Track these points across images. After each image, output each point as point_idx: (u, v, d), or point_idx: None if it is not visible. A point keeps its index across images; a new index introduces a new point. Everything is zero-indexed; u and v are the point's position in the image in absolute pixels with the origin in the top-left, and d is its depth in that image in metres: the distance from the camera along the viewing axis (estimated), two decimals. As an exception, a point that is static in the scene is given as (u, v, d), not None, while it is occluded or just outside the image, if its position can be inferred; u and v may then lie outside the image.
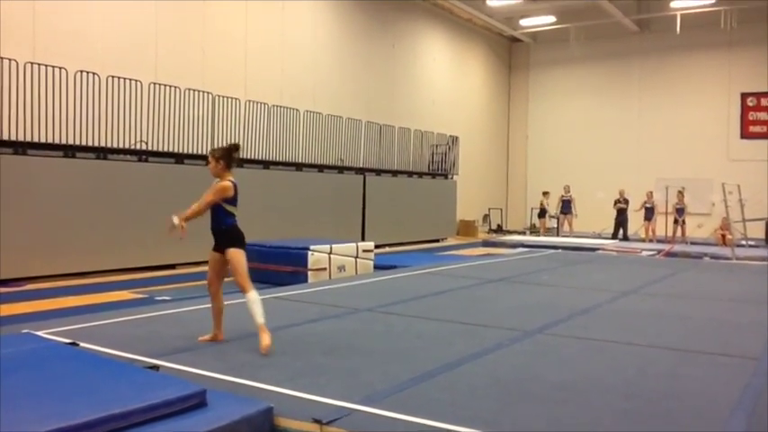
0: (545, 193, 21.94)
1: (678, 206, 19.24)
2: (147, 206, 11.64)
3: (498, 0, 21.89)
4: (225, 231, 5.49)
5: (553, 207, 21.74)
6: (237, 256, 5.44)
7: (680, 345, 5.87)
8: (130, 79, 11.93)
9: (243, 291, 5.38)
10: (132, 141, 12.10)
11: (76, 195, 10.79)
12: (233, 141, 5.89)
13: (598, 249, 16.68)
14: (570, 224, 21.31)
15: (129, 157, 11.84)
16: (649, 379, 4.78)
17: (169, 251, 12.06)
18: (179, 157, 12.66)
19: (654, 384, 4.63)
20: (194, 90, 13.07)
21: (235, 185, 5.48)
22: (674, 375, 4.89)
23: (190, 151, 12.92)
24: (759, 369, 5.09)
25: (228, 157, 5.50)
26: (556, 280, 10.35)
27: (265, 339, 5.19)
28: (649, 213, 19.78)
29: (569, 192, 21.19)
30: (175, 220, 5.43)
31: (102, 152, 11.41)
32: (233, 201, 5.50)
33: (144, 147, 12.17)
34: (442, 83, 23.56)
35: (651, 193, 20.09)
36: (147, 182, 11.81)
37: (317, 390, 4.25)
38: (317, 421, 3.69)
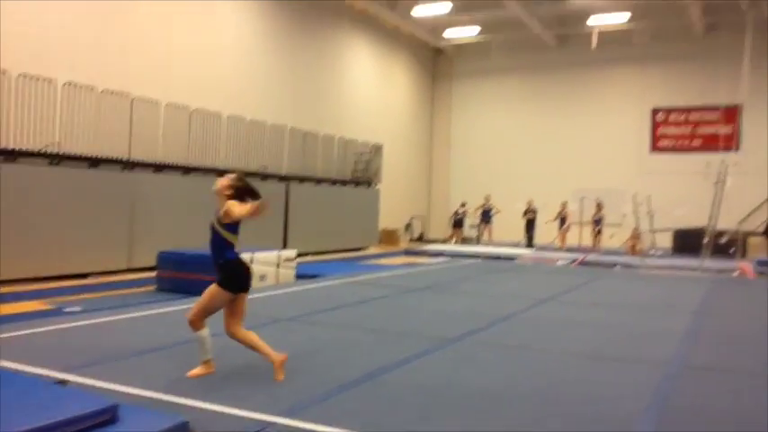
0: (463, 204, 22.37)
1: (596, 217, 19.98)
2: (59, 212, 11.16)
3: (423, 10, 22.17)
4: (222, 266, 4.84)
5: (473, 216, 22.18)
6: (215, 293, 4.80)
7: (593, 351, 6.06)
8: (43, 78, 11.43)
9: (192, 326, 4.81)
10: (44, 144, 11.57)
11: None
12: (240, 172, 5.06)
13: (516, 258, 17.09)
14: (490, 233, 21.76)
15: (39, 160, 11.32)
16: (565, 384, 4.91)
17: (81, 260, 11.59)
18: (94, 161, 12.20)
19: (569, 390, 4.76)
20: (112, 91, 12.64)
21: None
22: (587, 381, 5.04)
23: (106, 156, 12.47)
24: (668, 373, 5.31)
25: (245, 190, 4.95)
26: (476, 288, 10.53)
27: (198, 371, 4.79)
28: (562, 223, 20.53)
29: (489, 201, 21.67)
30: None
31: (10, 154, 10.86)
32: (235, 227, 4.90)
33: (56, 149, 11.67)
34: (368, 90, 23.65)
35: (565, 203, 20.80)
36: (59, 186, 11.31)
37: (237, 402, 4.16)
38: (235, 435, 3.61)
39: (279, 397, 4.35)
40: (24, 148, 11.13)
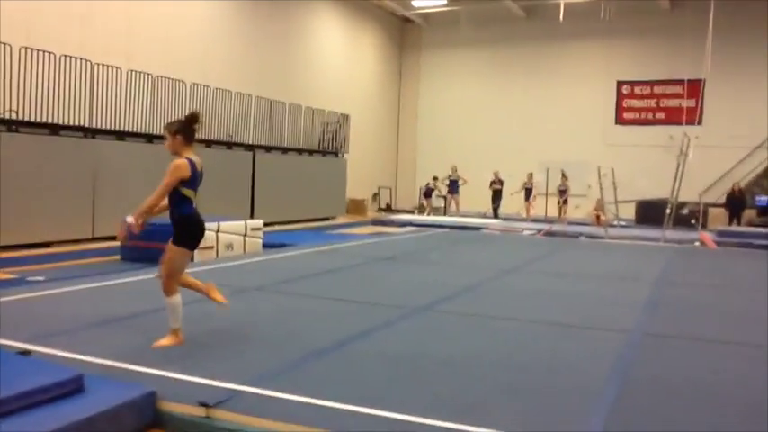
0: (435, 178, 22.44)
1: (561, 188, 20.19)
2: (20, 180, 10.90)
3: (391, -21, 21.94)
4: (177, 221, 4.74)
5: (442, 188, 22.28)
6: (175, 253, 4.74)
7: (558, 320, 6.16)
8: (-1, 43, 11.08)
9: (165, 291, 4.74)
10: (1, 110, 11.26)
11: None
12: (193, 111, 5.03)
13: (483, 229, 17.23)
14: (457, 204, 21.89)
15: (-4, 126, 11.01)
16: (530, 353, 4.99)
17: (44, 229, 11.39)
18: (54, 128, 11.91)
19: (534, 358, 4.84)
20: (71, 57, 12.31)
21: (193, 163, 4.73)
22: (553, 349, 5.12)
23: (67, 122, 12.18)
24: (630, 341, 5.43)
25: (187, 130, 4.80)
26: (443, 258, 10.60)
27: (165, 341, 4.72)
28: (528, 194, 20.72)
29: (456, 172, 21.75)
30: (129, 219, 4.64)
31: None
32: (191, 183, 4.73)
33: (14, 116, 11.36)
34: (335, 60, 23.40)
35: (531, 174, 20.98)
36: (17, 154, 11.02)
37: (203, 372, 4.14)
38: (202, 404, 3.59)
39: (246, 366, 4.35)
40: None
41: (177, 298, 4.78)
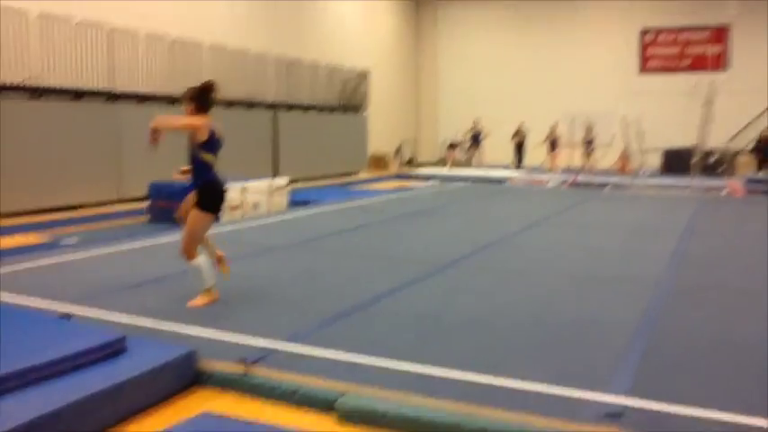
0: (451, 146, 22.44)
1: (587, 138, 19.89)
2: (47, 145, 11.06)
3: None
4: (200, 187, 4.82)
5: (463, 140, 22.19)
6: (198, 218, 4.81)
7: (585, 273, 6.18)
8: (14, 10, 11.07)
9: (186, 255, 4.83)
10: (21, 78, 11.32)
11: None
12: (208, 80, 5.05)
13: (506, 181, 17.17)
14: (480, 156, 21.79)
15: (18, 94, 11.10)
16: (557, 307, 5.04)
17: (72, 192, 11.59)
18: (76, 94, 11.99)
19: (561, 313, 4.89)
20: (89, 22, 12.30)
21: (212, 129, 4.81)
22: (580, 303, 5.16)
23: (88, 88, 12.25)
24: (659, 294, 5.45)
25: (201, 98, 4.86)
26: (468, 213, 10.62)
27: (200, 300, 4.84)
28: (554, 144, 20.48)
29: (478, 124, 21.59)
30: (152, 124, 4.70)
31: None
32: (210, 146, 4.81)
33: (34, 83, 11.43)
34: (353, 15, 23.09)
35: (555, 125, 20.70)
36: (42, 120, 11.14)
37: (240, 331, 4.25)
38: (241, 361, 3.71)
39: (279, 324, 4.45)
40: (6, 83, 10.90)
41: (199, 259, 4.89)
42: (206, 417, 3.16)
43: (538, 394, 3.36)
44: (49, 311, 4.57)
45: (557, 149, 20.45)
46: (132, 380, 3.38)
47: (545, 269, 6.35)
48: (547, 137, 20.50)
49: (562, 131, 20.60)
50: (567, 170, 19.78)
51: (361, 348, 3.95)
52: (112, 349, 3.60)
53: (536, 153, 21.36)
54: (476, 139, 21.62)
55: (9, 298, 4.94)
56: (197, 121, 4.80)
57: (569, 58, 24.53)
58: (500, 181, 17.10)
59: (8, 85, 10.87)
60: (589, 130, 19.90)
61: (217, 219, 5.12)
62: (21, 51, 11.22)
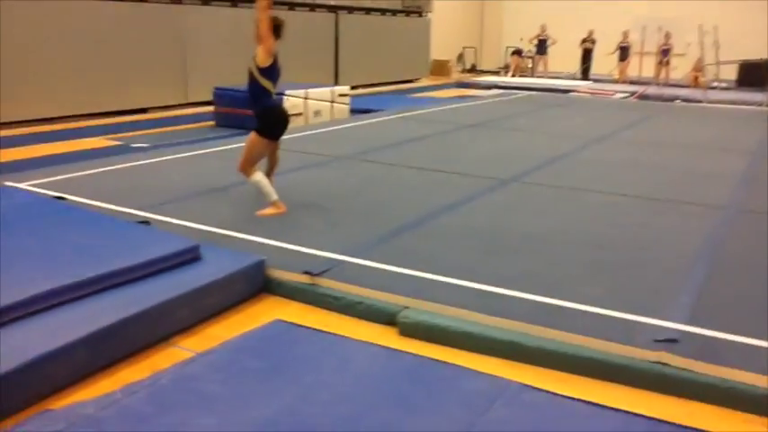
0: (515, 53, 21.69)
1: (663, 47, 18.97)
2: (112, 47, 11.24)
3: None
4: (259, 113, 4.97)
5: (529, 46, 21.52)
6: (255, 141, 4.97)
7: (650, 194, 6.10)
8: None
9: (243, 173, 5.03)
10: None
11: (43, 36, 10.31)
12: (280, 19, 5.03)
13: (572, 92, 16.69)
14: (545, 65, 21.14)
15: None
16: (618, 228, 5.03)
17: (140, 94, 11.84)
18: (142, -5, 12.04)
19: (622, 234, 4.88)
20: None
21: (276, 56, 4.90)
22: (643, 225, 5.13)
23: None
24: (724, 217, 5.37)
25: (277, 26, 4.90)
26: (530, 125, 10.46)
27: (268, 210, 4.98)
28: (624, 54, 19.64)
29: (545, 31, 20.81)
30: None
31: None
32: (270, 72, 4.88)
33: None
34: None
35: (627, 32, 19.79)
36: (107, 23, 11.27)
37: (305, 242, 4.40)
38: (307, 273, 3.88)
39: (343, 237, 4.59)
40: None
41: (257, 175, 5.04)
42: (278, 323, 3.36)
43: (594, 315, 3.43)
44: (126, 215, 4.81)
45: (627, 59, 19.62)
46: (206, 286, 3.59)
47: (607, 188, 6.28)
48: (618, 45, 19.65)
49: (633, 40, 19.70)
50: (637, 81, 19.06)
51: (421, 263, 4.07)
52: (188, 257, 3.81)
53: (604, 63, 20.58)
54: (542, 47, 20.89)
55: (88, 201, 5.20)
56: (272, 39, 4.82)
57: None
58: (565, 91, 16.63)
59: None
60: (667, 37, 18.90)
61: (275, 141, 5.19)
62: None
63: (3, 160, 7.41)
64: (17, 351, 2.76)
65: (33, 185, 5.63)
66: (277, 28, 4.91)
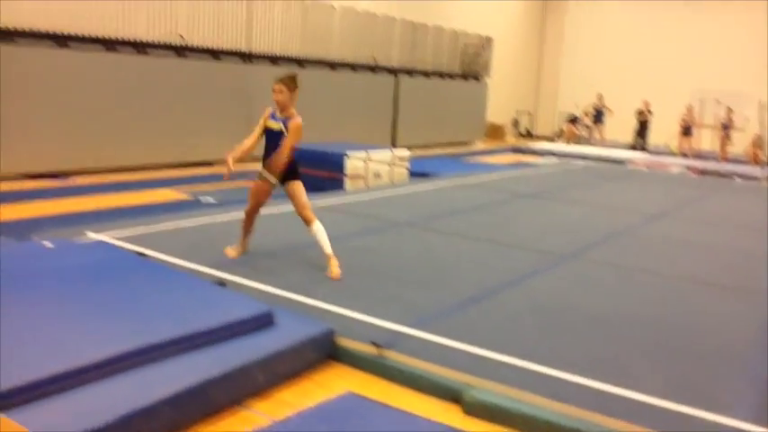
0: (571, 120, 21.84)
1: (725, 122, 18.80)
2: (185, 101, 11.82)
3: None
4: (290, 166, 5.44)
5: (585, 116, 21.62)
6: (301, 187, 5.48)
7: (711, 276, 6.09)
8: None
9: (308, 222, 5.43)
10: (170, 35, 12.07)
11: (117, 89, 10.93)
12: (292, 72, 5.74)
13: (628, 163, 16.69)
14: (601, 134, 21.23)
15: (167, 51, 11.86)
16: (678, 312, 5.04)
17: (207, 147, 12.33)
18: (215, 54, 12.66)
19: (683, 317, 4.90)
20: (232, -16, 12.89)
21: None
22: (699, 309, 5.14)
23: (225, 48, 12.90)
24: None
25: (297, 88, 5.40)
26: (587, 197, 10.52)
27: (333, 269, 5.30)
28: (689, 130, 19.36)
29: (601, 100, 20.98)
30: (228, 158, 5.35)
31: (141, 46, 11.43)
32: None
33: (181, 42, 12.16)
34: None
35: (691, 108, 19.61)
36: (184, 77, 11.88)
37: (369, 311, 4.54)
38: (374, 344, 4.01)
39: (407, 308, 4.71)
40: (154, 40, 11.66)
41: (319, 223, 5.46)
42: (350, 396, 3.49)
43: (657, 409, 3.46)
44: (201, 274, 5.04)
45: (689, 135, 19.34)
46: (279, 352, 3.73)
47: (666, 268, 6.30)
48: (682, 122, 19.35)
49: (695, 116, 19.55)
50: (695, 155, 18.94)
51: (484, 340, 4.16)
52: (263, 321, 3.98)
53: (660, 134, 20.55)
54: (598, 116, 21.03)
55: (164, 257, 5.47)
56: (299, 130, 5.36)
57: (703, 33, 23.18)
58: (622, 162, 16.65)
59: (156, 42, 11.63)
60: (728, 112, 18.75)
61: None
62: (170, 9, 11.92)
63: (82, 209, 7.82)
64: (107, 407, 2.94)
65: (113, 237, 5.95)
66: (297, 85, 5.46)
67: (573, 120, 21.97)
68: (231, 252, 5.69)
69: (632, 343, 4.38)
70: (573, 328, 4.58)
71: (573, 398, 3.50)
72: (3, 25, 9.62)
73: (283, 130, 5.35)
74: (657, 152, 19.61)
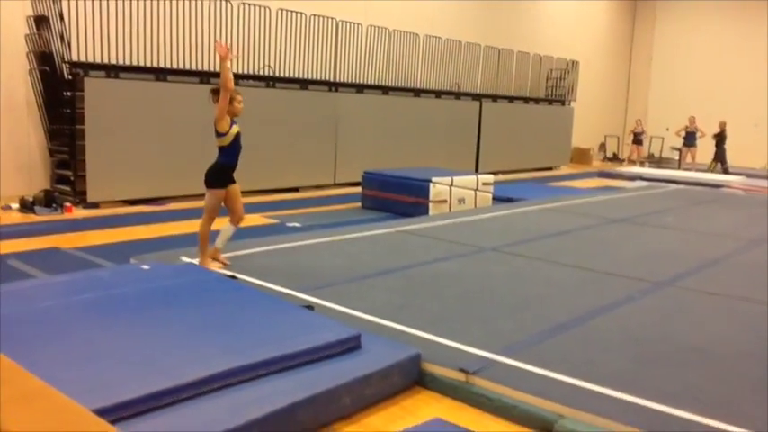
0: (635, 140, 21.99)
1: None
2: (274, 130, 12.16)
3: None
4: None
5: (676, 138, 21.02)
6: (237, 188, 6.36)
7: (819, 308, 5.72)
8: (260, 6, 12.20)
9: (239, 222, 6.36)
10: (260, 67, 12.49)
11: (209, 119, 11.30)
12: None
13: (723, 186, 15.98)
14: (693, 157, 20.48)
15: (257, 82, 12.26)
16: (786, 346, 4.75)
17: (294, 174, 12.63)
18: (303, 83, 12.99)
19: (791, 352, 4.61)
20: (318, 16, 13.22)
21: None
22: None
23: (313, 77, 13.22)
24: None
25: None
26: (680, 222, 10.12)
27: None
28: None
29: (694, 123, 20.28)
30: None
31: (234, 78, 11.82)
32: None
33: (270, 72, 12.55)
34: (564, 5, 22.57)
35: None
36: (273, 106, 12.23)
37: (456, 337, 4.49)
38: (463, 371, 3.96)
39: (495, 334, 4.64)
40: (245, 71, 12.09)
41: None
42: (438, 422, 3.45)
43: (766, 445, 3.26)
44: (290, 297, 5.13)
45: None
46: (366, 377, 3.74)
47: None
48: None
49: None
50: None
51: (576, 369, 4.03)
52: (349, 345, 4.00)
53: (757, 156, 19.65)
54: (690, 139, 20.32)
55: (253, 281, 5.60)
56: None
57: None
58: (716, 186, 15.96)
59: (247, 74, 12.05)
60: None
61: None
62: (261, 42, 12.35)
63: (177, 233, 8.12)
64: (199, 426, 3.01)
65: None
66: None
67: (637, 141, 22.17)
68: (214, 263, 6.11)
69: (735, 375, 4.14)
70: (670, 359, 4.38)
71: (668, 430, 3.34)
72: (111, 62, 10.25)
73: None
74: (756, 175, 18.70)
